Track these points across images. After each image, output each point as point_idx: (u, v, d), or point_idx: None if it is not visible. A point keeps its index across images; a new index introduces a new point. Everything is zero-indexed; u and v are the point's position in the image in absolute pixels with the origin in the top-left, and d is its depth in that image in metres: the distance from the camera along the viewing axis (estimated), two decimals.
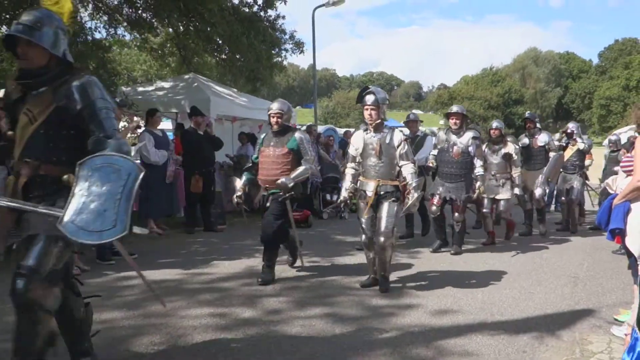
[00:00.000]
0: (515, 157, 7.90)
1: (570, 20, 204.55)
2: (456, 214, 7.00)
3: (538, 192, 8.31)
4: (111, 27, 11.69)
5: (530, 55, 72.17)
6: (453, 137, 7.04)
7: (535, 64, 70.62)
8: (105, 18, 11.49)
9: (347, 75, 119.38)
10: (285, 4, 11.84)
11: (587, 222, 9.83)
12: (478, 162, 6.97)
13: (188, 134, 8.64)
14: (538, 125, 8.95)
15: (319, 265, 6.31)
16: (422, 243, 7.66)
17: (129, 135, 7.06)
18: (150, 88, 11.43)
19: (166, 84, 11.54)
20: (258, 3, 11.78)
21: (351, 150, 5.46)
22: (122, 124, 8.22)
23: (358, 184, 5.38)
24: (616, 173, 9.06)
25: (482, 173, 6.99)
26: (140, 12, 10.84)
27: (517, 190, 7.94)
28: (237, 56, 12.03)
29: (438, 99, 62.88)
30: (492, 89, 62.61)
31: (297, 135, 5.63)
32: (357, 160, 5.40)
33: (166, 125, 11.81)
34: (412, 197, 5.05)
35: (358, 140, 5.35)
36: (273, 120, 5.62)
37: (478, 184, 6.91)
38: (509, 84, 65.76)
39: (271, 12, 12.20)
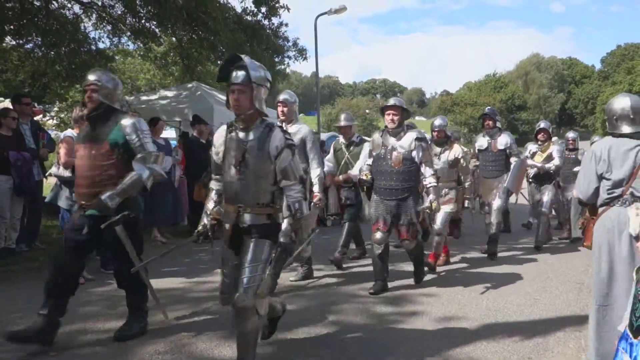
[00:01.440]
0: (464, 163, 6.58)
1: (573, 26, 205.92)
2: (406, 241, 5.35)
3: (496, 203, 7.15)
4: (115, 36, 11.77)
5: (533, 61, 72.26)
6: (391, 140, 5.39)
7: (538, 69, 70.71)
8: (109, 28, 11.56)
9: (350, 82, 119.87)
10: (288, 11, 11.91)
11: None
12: (428, 171, 5.35)
13: (190, 143, 8.67)
14: (499, 124, 7.58)
15: (323, 273, 6.29)
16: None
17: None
18: (154, 97, 11.49)
19: (169, 93, 11.59)
20: (262, 11, 11.85)
21: (214, 156, 3.59)
22: None
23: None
24: (575, 175, 8.56)
25: (435, 184, 5.39)
26: (143, 21, 10.90)
27: (466, 203, 6.42)
28: None
29: (441, 105, 62.94)
30: (495, 95, 62.76)
31: (124, 122, 3.81)
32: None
33: (169, 134, 11.84)
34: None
35: (219, 140, 3.49)
36: (86, 95, 3.88)
37: (431, 197, 5.30)
38: (512, 90, 65.92)
39: (274, 20, 12.28)
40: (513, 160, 7.21)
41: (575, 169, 8.25)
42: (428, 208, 5.28)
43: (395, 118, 5.34)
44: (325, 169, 6.49)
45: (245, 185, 3.32)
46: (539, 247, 7.76)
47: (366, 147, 6.28)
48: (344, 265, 6.53)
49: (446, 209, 6.40)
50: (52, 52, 9.46)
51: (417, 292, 5.46)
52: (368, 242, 6.19)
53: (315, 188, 5.48)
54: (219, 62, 12.95)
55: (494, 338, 4.07)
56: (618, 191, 3.29)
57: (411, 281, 5.85)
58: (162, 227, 8.25)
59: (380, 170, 5.39)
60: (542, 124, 8.38)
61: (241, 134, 3.36)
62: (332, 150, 6.89)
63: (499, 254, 7.40)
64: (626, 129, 3.36)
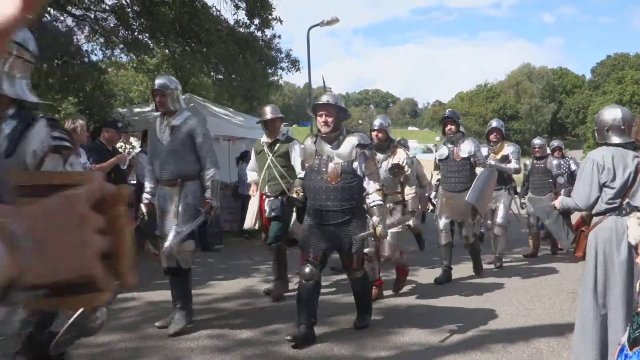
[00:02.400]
0: (407, 170, 5.50)
1: (563, 37, 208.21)
2: (356, 271, 4.38)
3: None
4: (108, 49, 11.79)
5: (524, 71, 72.92)
6: (326, 148, 4.25)
7: (529, 79, 71.34)
8: (101, 40, 11.58)
9: (343, 93, 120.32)
10: (281, 23, 11.98)
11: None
12: (372, 185, 4.23)
13: None
14: (462, 129, 6.50)
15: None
16: (421, 261, 7.62)
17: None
18: (147, 109, 11.45)
19: None
20: (254, 23, 11.91)
21: None
22: (119, 144, 8.24)
23: None
24: (548, 187, 7.73)
25: (380, 202, 4.23)
26: (136, 34, 10.94)
27: (411, 221, 5.68)
28: (233, 76, 12.12)
29: (433, 116, 63.27)
30: (487, 104, 63.25)
31: None
32: None
33: None
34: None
35: None
36: None
37: (374, 219, 4.20)
38: (504, 100, 66.47)
39: (267, 32, 12.35)
40: (479, 170, 6.29)
41: (548, 194, 7.61)
42: (371, 235, 4.27)
43: (329, 120, 4.17)
44: (249, 179, 6.02)
45: None
46: (499, 265, 7.20)
47: (296, 148, 5.40)
48: (337, 277, 6.53)
49: (392, 231, 5.14)
50: (45, 65, 9.46)
51: (409, 303, 5.46)
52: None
53: (208, 193, 4.41)
54: (212, 74, 12.99)
55: (487, 348, 4.06)
56: (618, 201, 3.29)
57: (405, 292, 5.85)
58: (154, 238, 8.21)
59: (314, 187, 4.23)
60: (494, 123, 7.67)
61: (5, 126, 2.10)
62: (252, 155, 5.93)
63: (491, 263, 7.44)
64: (616, 139, 3.40)
